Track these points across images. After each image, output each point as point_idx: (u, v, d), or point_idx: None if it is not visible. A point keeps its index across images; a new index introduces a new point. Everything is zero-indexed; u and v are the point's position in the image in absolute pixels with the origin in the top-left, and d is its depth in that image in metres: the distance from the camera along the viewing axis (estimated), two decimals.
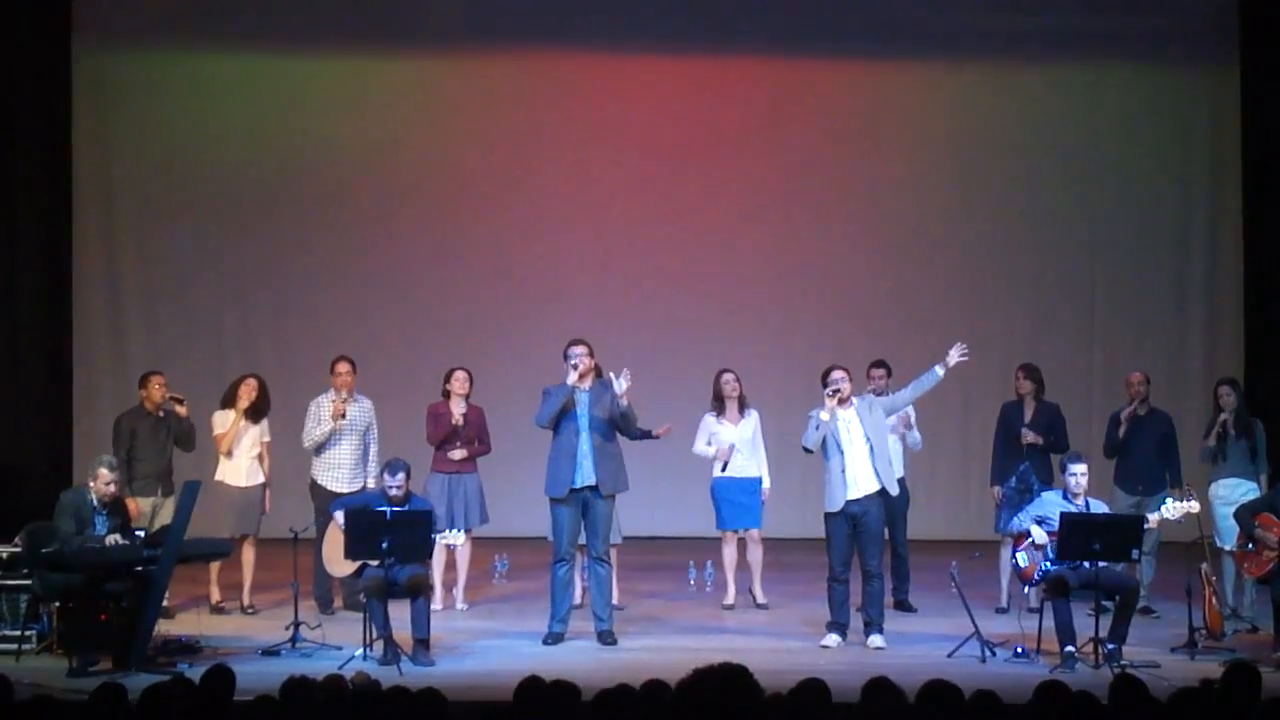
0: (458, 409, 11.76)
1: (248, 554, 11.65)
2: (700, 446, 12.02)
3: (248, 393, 11.73)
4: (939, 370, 10.53)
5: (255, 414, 11.76)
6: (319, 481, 11.71)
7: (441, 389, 11.89)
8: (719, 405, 11.98)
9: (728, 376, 12.02)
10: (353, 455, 11.76)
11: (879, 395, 11.23)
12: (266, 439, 11.85)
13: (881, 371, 11.97)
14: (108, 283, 15.36)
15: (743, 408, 11.98)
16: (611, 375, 10.55)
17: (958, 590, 10.37)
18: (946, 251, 15.65)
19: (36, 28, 14.51)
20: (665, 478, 14.13)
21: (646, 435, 11.11)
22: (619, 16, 15.43)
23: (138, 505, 11.18)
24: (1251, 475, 11.37)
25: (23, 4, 14.34)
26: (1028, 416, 11.94)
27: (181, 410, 11.64)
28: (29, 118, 14.46)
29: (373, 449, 11.80)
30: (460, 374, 11.85)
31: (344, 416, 11.66)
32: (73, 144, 15.03)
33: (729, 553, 12.02)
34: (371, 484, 11.48)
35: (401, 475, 10.31)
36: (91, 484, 10.16)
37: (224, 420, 11.71)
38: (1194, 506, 10.38)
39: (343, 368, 11.84)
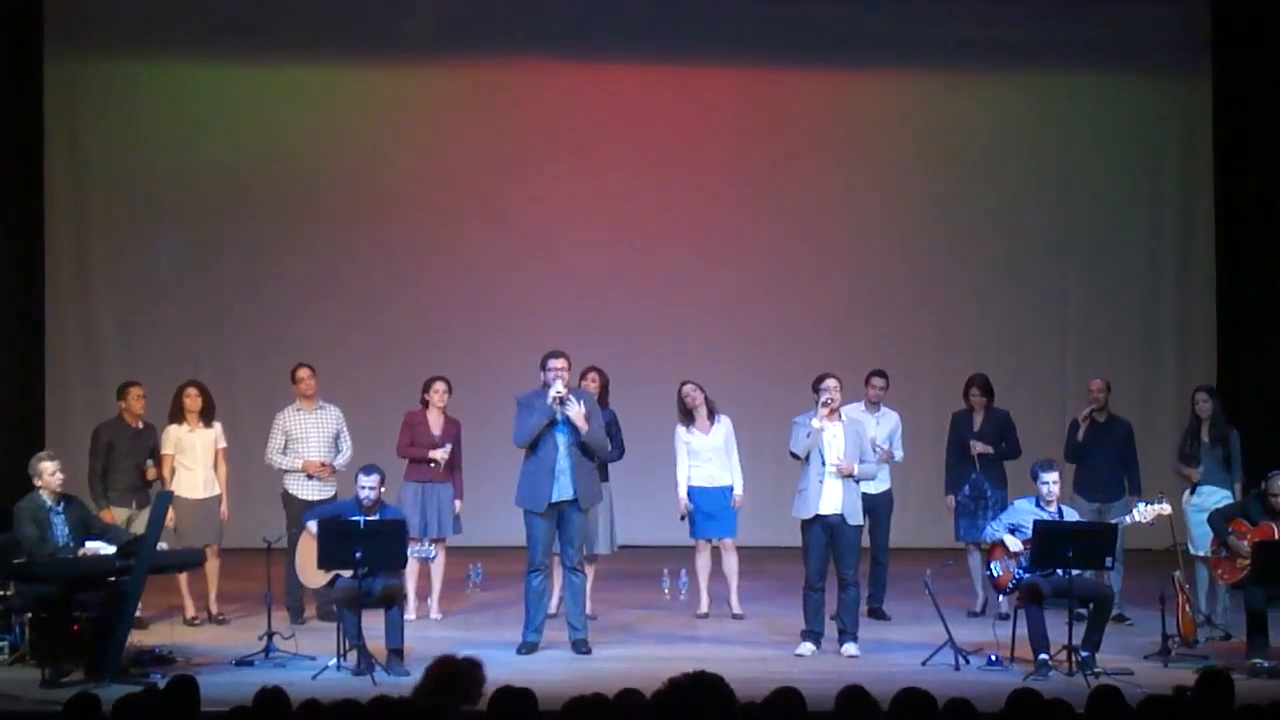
0: (436, 420, 11.71)
1: (211, 563, 11.57)
2: (681, 461, 11.83)
3: (192, 401, 11.66)
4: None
5: (205, 417, 11.69)
6: (289, 491, 11.67)
7: (420, 398, 11.83)
8: (687, 417, 11.84)
9: (687, 388, 11.81)
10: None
11: (876, 405, 11.62)
12: (222, 445, 11.76)
13: (882, 381, 11.94)
14: (80, 294, 15.28)
15: (712, 415, 11.82)
16: (564, 399, 10.41)
17: (932, 598, 10.38)
18: (918, 259, 15.65)
19: (8, 37, 14.45)
20: (639, 486, 14.09)
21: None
22: (598, 26, 15.43)
23: (114, 515, 11.16)
24: (1226, 484, 11.35)
25: None
26: (977, 425, 12.02)
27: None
28: (0, 127, 14.38)
29: (346, 454, 11.72)
30: (439, 385, 11.74)
31: (327, 469, 11.64)
32: (45, 154, 14.98)
33: (702, 561, 11.97)
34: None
35: (376, 476, 10.32)
36: (39, 483, 10.11)
37: (176, 436, 11.62)
38: (1165, 509, 10.41)
39: (303, 373, 11.77)
